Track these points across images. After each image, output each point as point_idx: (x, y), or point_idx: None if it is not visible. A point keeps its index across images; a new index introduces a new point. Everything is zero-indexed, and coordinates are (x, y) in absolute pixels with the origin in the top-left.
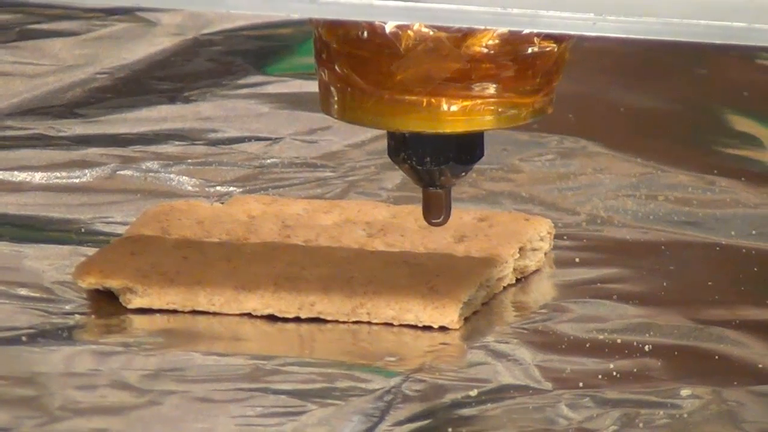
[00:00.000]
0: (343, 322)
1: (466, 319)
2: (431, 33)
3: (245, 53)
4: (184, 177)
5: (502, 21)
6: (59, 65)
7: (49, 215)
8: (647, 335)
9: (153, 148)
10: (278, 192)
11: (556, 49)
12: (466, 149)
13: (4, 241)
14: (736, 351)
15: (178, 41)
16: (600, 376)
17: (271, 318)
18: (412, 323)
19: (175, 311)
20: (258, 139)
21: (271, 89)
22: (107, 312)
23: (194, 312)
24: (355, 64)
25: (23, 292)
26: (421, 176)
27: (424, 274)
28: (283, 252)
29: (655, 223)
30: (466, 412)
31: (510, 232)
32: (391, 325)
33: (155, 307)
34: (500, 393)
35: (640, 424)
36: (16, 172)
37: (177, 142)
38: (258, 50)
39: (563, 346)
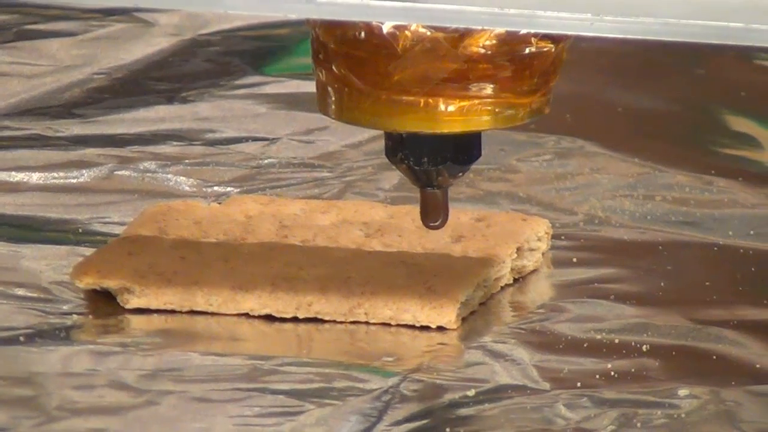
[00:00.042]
0: (341, 322)
1: (463, 319)
2: (428, 33)
3: (242, 54)
4: (181, 177)
5: (500, 21)
6: (57, 66)
7: (47, 215)
8: (645, 335)
9: (150, 148)
10: (276, 192)
11: (553, 50)
12: (464, 149)
13: (1, 241)
14: (733, 351)
15: (175, 42)
16: (598, 376)
17: (269, 318)
18: (410, 323)
19: (172, 311)
20: (255, 139)
21: (268, 89)
22: (105, 312)
23: (192, 312)
24: (353, 65)
25: (21, 292)
26: (419, 176)
27: (421, 275)
28: (281, 252)
29: (652, 223)
30: (463, 412)
31: (507, 232)
32: (389, 325)
33: (153, 307)
34: (498, 393)
35: (638, 424)
36: (13, 173)
37: (174, 143)
38: (255, 51)
39: (561, 346)
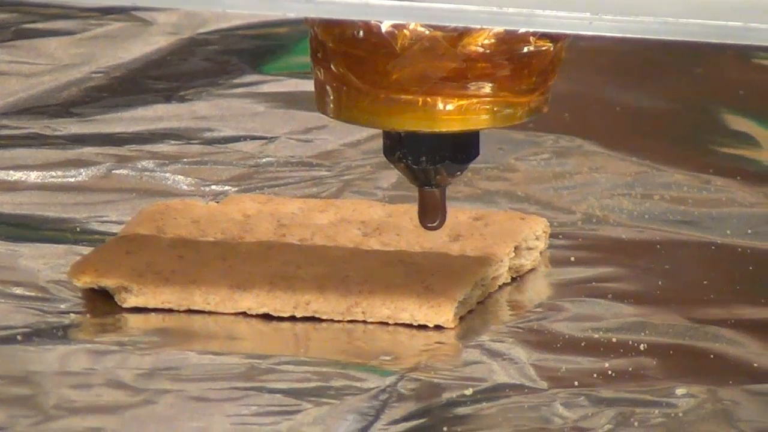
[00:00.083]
0: (339, 321)
1: (461, 318)
2: (427, 32)
3: (241, 52)
4: (179, 176)
5: (498, 20)
6: (55, 64)
7: (45, 214)
8: (642, 334)
9: (148, 147)
10: (274, 191)
11: (551, 48)
12: (462, 148)
13: None
14: (731, 350)
15: (173, 40)
16: (595, 375)
17: (267, 317)
18: (408, 322)
19: (170, 310)
20: (253, 138)
21: (266, 88)
22: (102, 311)
23: (189, 311)
24: (351, 64)
25: (18, 291)
26: (417, 175)
27: (419, 273)
28: (279, 251)
29: (650, 222)
30: (461, 411)
31: (505, 231)
32: (387, 324)
33: (150, 306)
34: (495, 392)
35: (635, 423)
36: (11, 171)
37: (172, 141)
38: (254, 49)
39: (558, 345)
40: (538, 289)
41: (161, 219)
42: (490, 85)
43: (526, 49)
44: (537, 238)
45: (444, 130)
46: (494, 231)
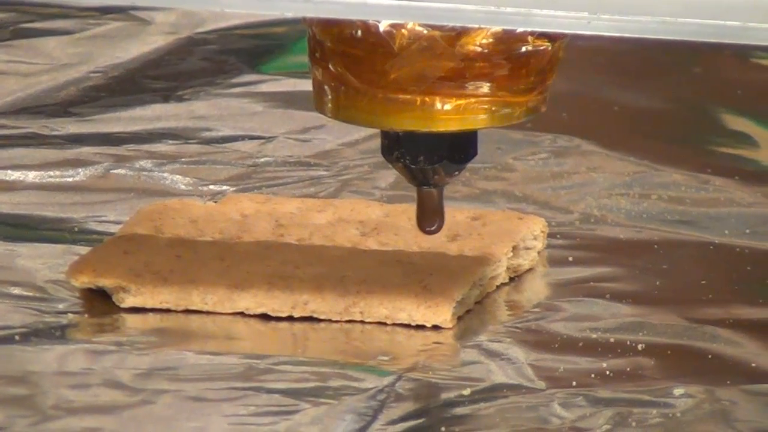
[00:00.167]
0: (336, 321)
1: (459, 318)
2: (425, 32)
3: (239, 52)
4: (177, 176)
5: (496, 19)
6: (53, 64)
7: (43, 214)
8: (640, 334)
9: (146, 146)
10: (272, 191)
11: (550, 48)
12: (460, 148)
13: None
14: (729, 350)
15: (172, 40)
16: (593, 375)
17: (265, 317)
18: (406, 322)
19: (168, 310)
20: (251, 137)
21: (264, 88)
22: (100, 311)
23: (187, 311)
24: (349, 63)
25: (16, 291)
26: (415, 175)
27: (417, 273)
28: (277, 251)
29: (648, 222)
30: (459, 411)
31: (503, 230)
32: (385, 324)
33: (148, 306)
34: (493, 392)
35: (633, 423)
36: (9, 171)
37: (170, 141)
38: (252, 49)
39: (556, 345)
40: (536, 289)
41: (159, 219)
42: (488, 84)
43: (524, 49)
44: (535, 238)
45: (442, 129)
46: (492, 231)
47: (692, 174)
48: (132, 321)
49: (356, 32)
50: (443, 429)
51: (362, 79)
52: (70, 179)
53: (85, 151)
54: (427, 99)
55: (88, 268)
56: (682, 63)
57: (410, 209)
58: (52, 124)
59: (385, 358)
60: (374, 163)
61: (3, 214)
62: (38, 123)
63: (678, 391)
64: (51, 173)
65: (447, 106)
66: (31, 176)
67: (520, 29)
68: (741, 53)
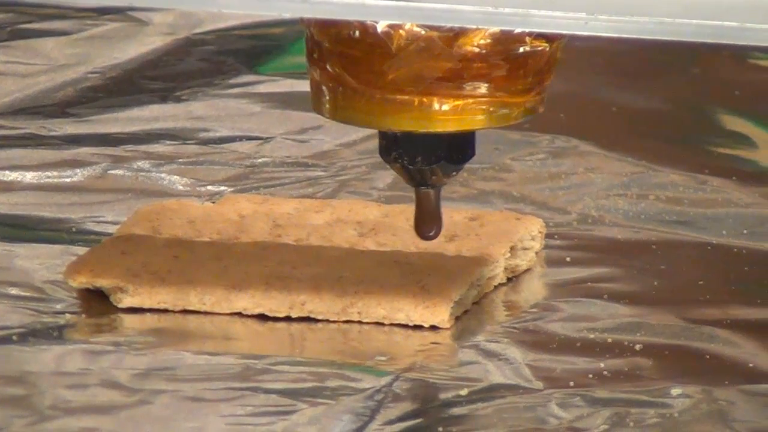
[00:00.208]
0: (334, 322)
1: (456, 319)
2: (423, 32)
3: (237, 53)
4: (175, 176)
5: (494, 20)
6: (51, 65)
7: (40, 214)
8: (638, 334)
9: (144, 147)
10: (269, 191)
11: (547, 49)
12: (458, 148)
13: None
14: (727, 350)
15: (169, 41)
16: (590, 376)
17: (262, 317)
18: (403, 322)
19: (165, 310)
20: (249, 138)
21: (262, 89)
22: (98, 311)
23: (185, 311)
24: (347, 64)
25: (14, 291)
26: (413, 175)
27: (415, 274)
28: (274, 251)
29: (646, 223)
30: (456, 411)
31: (501, 231)
32: (382, 324)
33: (146, 306)
34: (491, 392)
35: (631, 424)
36: (7, 172)
37: (168, 142)
38: (250, 50)
39: (554, 346)
40: (533, 290)
41: (157, 219)
42: (486, 85)
43: (521, 50)
44: (533, 239)
45: (440, 130)
46: (490, 231)
47: (690, 174)
48: (129, 321)
49: (354, 33)
50: (440, 429)
51: (360, 80)
52: (68, 180)
53: (83, 151)
54: (424, 99)
55: (86, 269)
56: (680, 63)
57: (408, 210)
58: (49, 124)
59: (383, 358)
60: (372, 163)
61: (1, 215)
62: (36, 123)
63: (675, 391)
64: (49, 174)
65: (445, 107)
66: (29, 177)
67: (517, 30)
68: (739, 54)
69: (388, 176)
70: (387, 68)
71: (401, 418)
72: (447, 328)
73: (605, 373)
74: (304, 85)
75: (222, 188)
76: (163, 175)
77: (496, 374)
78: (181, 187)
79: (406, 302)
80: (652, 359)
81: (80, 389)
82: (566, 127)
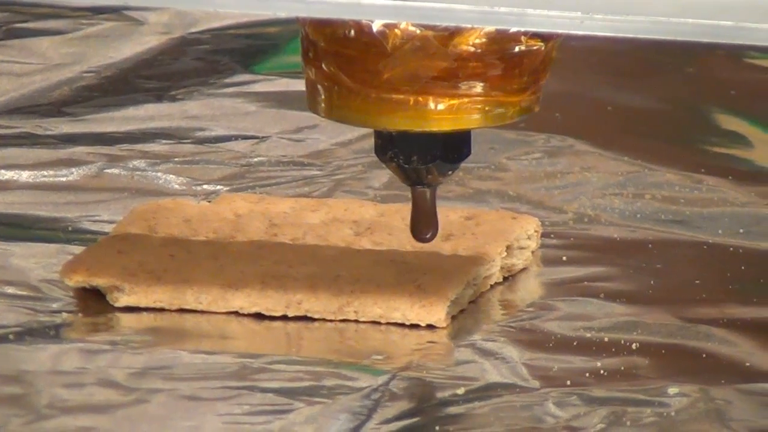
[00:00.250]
0: (331, 321)
1: (453, 318)
2: (418, 31)
3: (232, 52)
4: (171, 175)
5: (490, 19)
6: (46, 64)
7: (36, 213)
8: (634, 333)
9: (140, 146)
10: (265, 190)
11: (543, 48)
12: (453, 148)
13: None
14: (723, 349)
15: (165, 40)
16: (587, 375)
17: (258, 316)
18: (400, 321)
19: (162, 309)
20: (245, 137)
21: (258, 88)
22: (94, 310)
23: (181, 310)
24: (342, 63)
25: (10, 290)
26: (408, 175)
27: (411, 273)
28: (270, 250)
29: (642, 222)
30: (453, 410)
31: (497, 230)
32: (379, 323)
33: (142, 305)
34: (487, 391)
35: (628, 423)
36: (2, 171)
37: (164, 141)
38: (245, 49)
39: (550, 345)
40: (530, 289)
41: (153, 218)
42: (482, 84)
43: (517, 49)
44: (529, 238)
45: (435, 129)
46: (486, 230)
47: (686, 174)
48: (126, 320)
49: (349, 32)
50: (437, 428)
51: (355, 79)
52: (64, 179)
53: (79, 150)
54: (420, 99)
55: (82, 268)
56: (675, 63)
57: (404, 209)
58: (45, 123)
59: (380, 357)
60: (368, 162)
61: None
62: (31, 123)
63: (672, 390)
64: (44, 173)
65: (440, 106)
66: (25, 176)
67: (513, 29)
68: (734, 53)
69: (383, 175)
70: (382, 67)
71: (398, 417)
72: (443, 327)
73: (602, 372)
74: (299, 85)
75: (218, 187)
76: (158, 174)
77: (492, 373)
78: (176, 186)
79: (403, 301)
80: (648, 358)
81: (77, 388)
82: (562, 126)
